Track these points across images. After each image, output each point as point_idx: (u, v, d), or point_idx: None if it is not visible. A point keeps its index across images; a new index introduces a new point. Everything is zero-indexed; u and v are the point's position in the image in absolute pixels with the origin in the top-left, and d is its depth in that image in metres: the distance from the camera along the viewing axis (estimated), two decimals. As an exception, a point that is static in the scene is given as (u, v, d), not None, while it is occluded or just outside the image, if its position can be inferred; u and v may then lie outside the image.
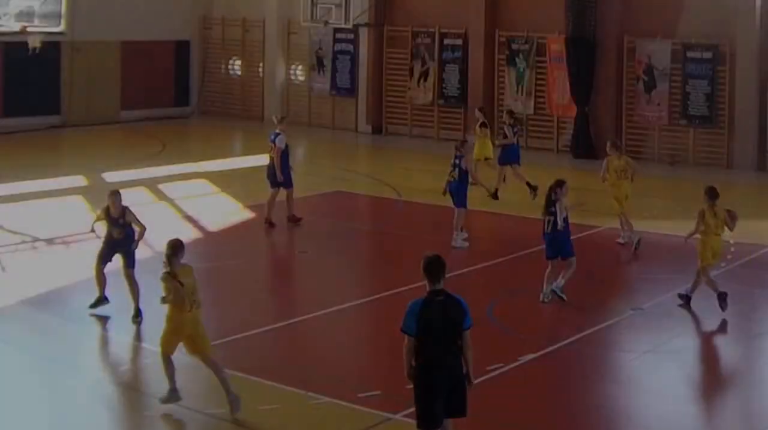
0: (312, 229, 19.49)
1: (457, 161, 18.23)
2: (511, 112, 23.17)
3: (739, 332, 14.20)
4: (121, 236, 13.87)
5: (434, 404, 9.04)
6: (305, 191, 21.01)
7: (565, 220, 14.84)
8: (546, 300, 14.80)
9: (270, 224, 19.16)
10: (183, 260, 10.90)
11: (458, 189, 18.21)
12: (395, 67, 31.44)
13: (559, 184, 14.98)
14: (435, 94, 30.39)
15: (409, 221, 20.37)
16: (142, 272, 16.35)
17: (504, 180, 22.10)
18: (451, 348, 9.07)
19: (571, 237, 15.12)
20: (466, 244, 18.07)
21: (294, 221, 19.43)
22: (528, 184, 21.65)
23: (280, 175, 19.12)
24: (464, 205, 18.22)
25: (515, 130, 22.34)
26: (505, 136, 22.16)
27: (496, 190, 21.70)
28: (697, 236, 14.76)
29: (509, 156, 22.05)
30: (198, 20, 34.97)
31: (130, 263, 13.89)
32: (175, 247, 10.88)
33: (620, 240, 18.50)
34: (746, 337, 13.86)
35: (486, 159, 22.57)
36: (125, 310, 14.25)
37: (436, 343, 9.02)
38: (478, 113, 23.29)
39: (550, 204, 14.86)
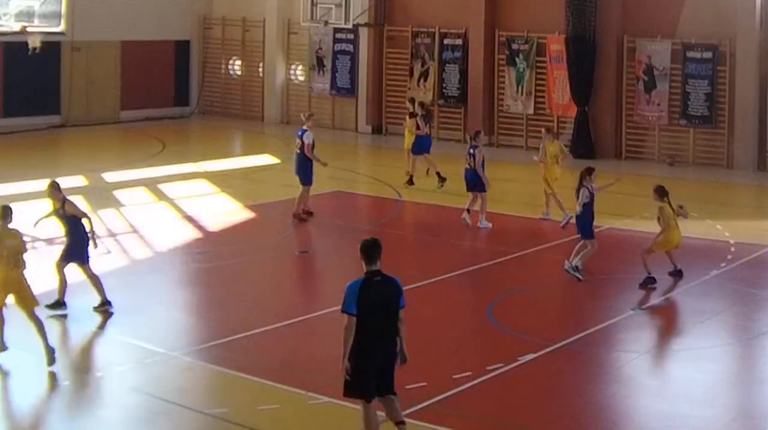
0: (312, 229, 19.51)
1: (472, 151, 19.45)
2: (422, 104, 24.59)
3: (739, 332, 14.20)
4: (64, 228, 14.08)
5: (368, 380, 9.60)
6: (305, 191, 21.03)
7: (585, 205, 15.96)
8: (570, 272, 16.01)
9: (308, 214, 19.83)
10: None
11: (473, 177, 19.42)
12: (395, 67, 31.44)
13: (588, 171, 16.21)
14: (435, 94, 30.38)
15: (409, 221, 20.36)
16: (144, 271, 16.43)
17: (412, 169, 23.43)
18: (388, 327, 9.63)
19: (592, 222, 16.21)
20: (490, 225, 19.34)
21: (299, 218, 19.72)
22: (438, 174, 22.78)
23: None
24: (484, 190, 19.51)
25: (427, 121, 23.66)
26: (418, 127, 23.34)
27: (411, 176, 23.22)
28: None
29: (422, 146, 23.34)
30: (198, 20, 34.98)
31: (68, 255, 13.97)
32: (3, 212, 12.29)
33: (543, 216, 20.07)
34: (746, 337, 13.86)
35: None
36: (125, 310, 14.28)
37: (375, 322, 9.52)
38: (408, 104, 24.86)
39: (577, 189, 16.13)
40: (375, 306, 9.48)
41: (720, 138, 26.48)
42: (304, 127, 19.89)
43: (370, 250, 9.62)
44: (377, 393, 9.74)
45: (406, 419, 10.06)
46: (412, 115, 23.81)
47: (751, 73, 25.88)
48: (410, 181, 23.13)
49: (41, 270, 16.08)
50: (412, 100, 24.89)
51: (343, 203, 22.17)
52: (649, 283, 15.55)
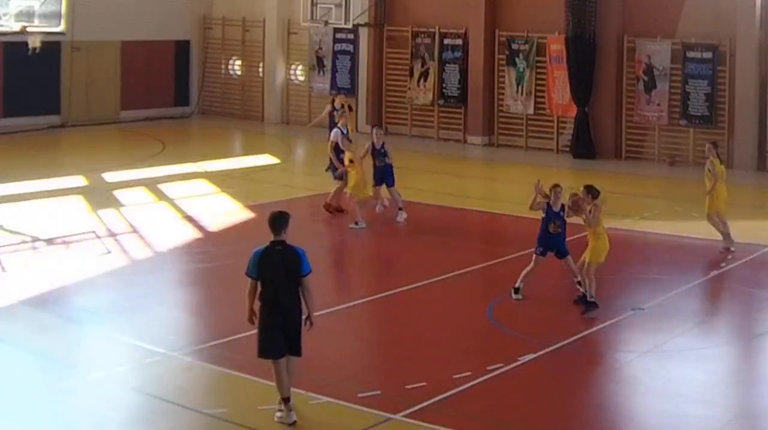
0: (312, 229, 19.49)
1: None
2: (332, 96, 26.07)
3: (739, 332, 14.20)
4: None
5: (273, 339, 10.43)
6: (306, 191, 21.05)
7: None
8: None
9: (339, 210, 20.36)
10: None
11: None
12: (395, 67, 31.44)
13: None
14: (435, 94, 30.39)
15: (409, 221, 20.35)
16: (144, 271, 16.43)
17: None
18: (288, 291, 10.44)
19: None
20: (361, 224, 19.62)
21: (339, 210, 20.39)
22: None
23: (338, 164, 20.31)
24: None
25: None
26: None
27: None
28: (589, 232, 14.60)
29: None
30: (198, 20, 34.98)
31: None
32: None
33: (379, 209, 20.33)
34: (746, 337, 13.86)
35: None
36: (125, 310, 14.29)
37: (275, 286, 10.42)
38: (343, 98, 25.40)
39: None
40: (274, 272, 10.39)
41: (720, 138, 26.45)
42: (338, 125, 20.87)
43: (275, 221, 10.59)
44: (288, 353, 10.48)
45: (407, 420, 10.06)
46: (350, 108, 25.20)
47: (751, 73, 25.89)
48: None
49: (43, 270, 16.16)
50: (332, 100, 25.56)
51: (343, 203, 22.13)
52: (592, 308, 14.29)
